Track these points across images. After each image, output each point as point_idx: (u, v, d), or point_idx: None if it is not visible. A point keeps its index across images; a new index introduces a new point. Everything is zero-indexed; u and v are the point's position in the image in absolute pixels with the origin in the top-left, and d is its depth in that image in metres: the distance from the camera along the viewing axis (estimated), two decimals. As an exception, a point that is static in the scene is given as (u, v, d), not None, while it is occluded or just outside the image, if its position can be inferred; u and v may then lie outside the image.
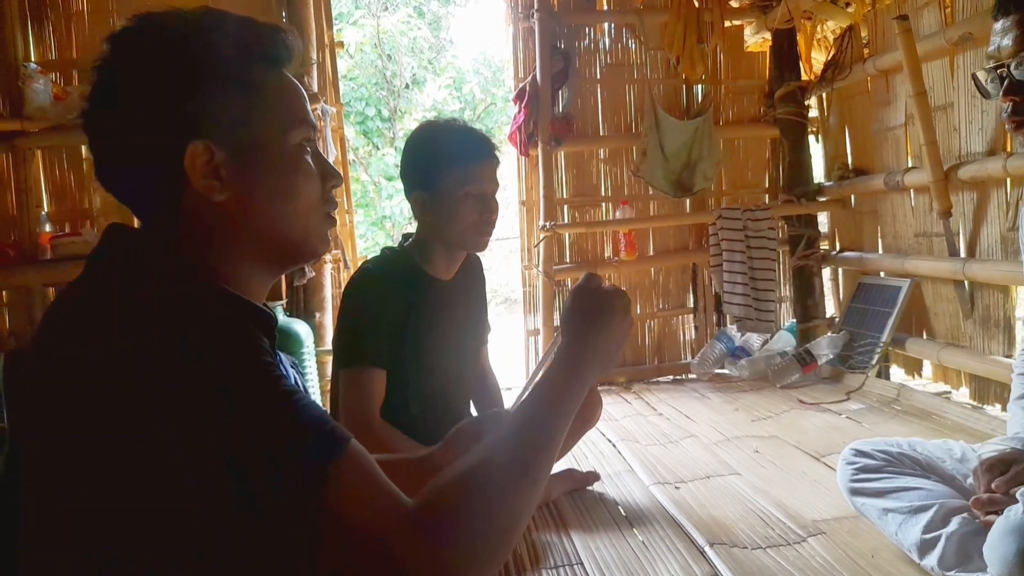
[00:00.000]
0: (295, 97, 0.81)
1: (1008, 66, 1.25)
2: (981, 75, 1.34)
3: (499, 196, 1.86)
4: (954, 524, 1.40)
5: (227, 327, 0.68)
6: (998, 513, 1.21)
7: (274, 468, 0.63)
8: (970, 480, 1.54)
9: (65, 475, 0.66)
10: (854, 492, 1.63)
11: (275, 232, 0.79)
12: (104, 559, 0.66)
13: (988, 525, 1.27)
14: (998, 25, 1.28)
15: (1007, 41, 1.25)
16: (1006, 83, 1.26)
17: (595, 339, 0.86)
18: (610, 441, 2.56)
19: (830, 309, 3.77)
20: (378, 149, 9.86)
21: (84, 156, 3.17)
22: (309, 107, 0.83)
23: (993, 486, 1.34)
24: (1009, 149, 2.52)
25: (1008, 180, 2.56)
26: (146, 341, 0.65)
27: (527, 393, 0.84)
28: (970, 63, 2.62)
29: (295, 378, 0.96)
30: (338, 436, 0.67)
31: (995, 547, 1.15)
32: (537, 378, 0.87)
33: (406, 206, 8.74)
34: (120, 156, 0.76)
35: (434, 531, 0.67)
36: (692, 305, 3.82)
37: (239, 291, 0.75)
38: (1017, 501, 1.17)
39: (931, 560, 1.41)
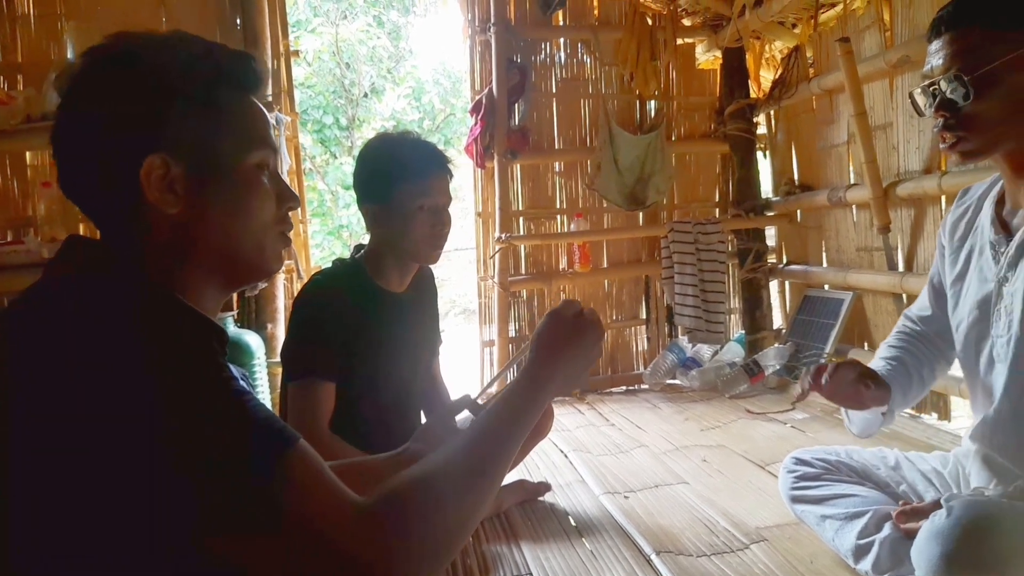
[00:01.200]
0: (257, 121, 0.84)
1: (939, 83, 1.32)
2: (918, 94, 1.40)
3: (454, 208, 1.87)
4: (887, 529, 1.45)
5: (179, 332, 0.71)
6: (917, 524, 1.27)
7: (229, 466, 0.66)
8: (902, 487, 1.61)
9: (22, 482, 0.66)
10: (794, 499, 1.68)
11: (228, 248, 0.82)
12: (73, 563, 0.67)
13: (909, 534, 1.32)
14: (932, 46, 1.34)
15: (938, 60, 1.32)
16: (937, 100, 1.32)
17: (561, 362, 0.91)
18: (562, 452, 2.59)
19: (777, 320, 3.87)
20: (336, 158, 9.79)
21: (28, 163, 3.09)
22: (271, 131, 0.86)
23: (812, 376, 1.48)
24: (943, 168, 2.63)
25: (943, 197, 2.67)
26: (100, 349, 0.66)
27: (487, 404, 0.88)
28: (908, 85, 2.74)
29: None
30: (288, 435, 0.70)
31: (921, 551, 1.19)
32: (493, 387, 0.89)
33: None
34: (81, 164, 0.78)
35: (384, 528, 0.70)
36: (645, 316, 3.88)
37: (192, 304, 0.78)
38: (942, 507, 1.22)
39: (866, 564, 1.46)
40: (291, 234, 0.91)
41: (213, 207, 0.80)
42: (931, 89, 1.33)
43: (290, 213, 0.89)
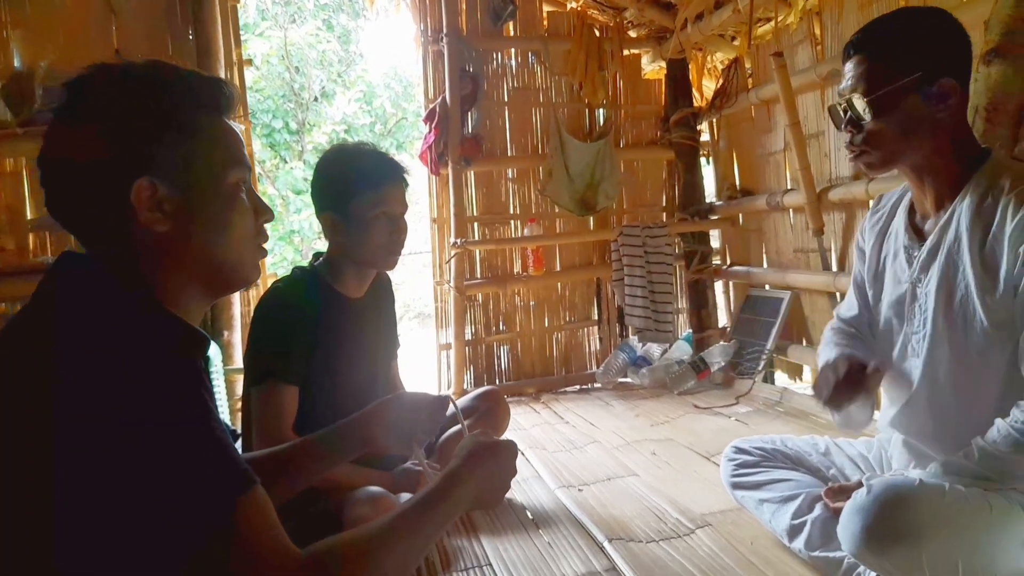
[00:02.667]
0: (233, 141, 0.91)
1: (847, 102, 1.45)
2: (835, 110, 1.54)
3: (409, 213, 1.94)
4: (817, 510, 1.59)
5: (171, 359, 0.77)
6: (846, 500, 1.40)
7: (189, 497, 0.73)
8: (832, 471, 1.75)
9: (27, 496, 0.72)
10: (735, 486, 1.80)
11: (211, 260, 0.88)
12: None
13: (836, 512, 1.45)
14: (845, 67, 1.48)
15: (848, 81, 1.46)
16: (846, 117, 1.46)
17: (478, 470, 1.03)
18: (519, 449, 2.67)
19: (723, 319, 4.04)
20: (286, 162, 9.71)
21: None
22: (245, 150, 0.93)
23: (838, 374, 1.49)
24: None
25: (871, 202, 2.84)
26: (99, 371, 0.72)
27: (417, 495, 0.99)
28: (838, 97, 2.91)
29: None
30: (250, 477, 0.78)
31: (845, 526, 1.32)
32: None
33: (315, 220, 8.59)
34: (73, 192, 0.83)
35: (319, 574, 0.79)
36: (596, 317, 4.01)
37: (179, 313, 0.84)
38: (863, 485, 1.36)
39: (799, 543, 1.59)
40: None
41: (197, 223, 0.86)
42: (842, 107, 1.47)
43: (268, 235, 0.96)
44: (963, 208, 1.39)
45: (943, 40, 1.39)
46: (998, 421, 1.29)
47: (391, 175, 1.85)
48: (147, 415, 0.72)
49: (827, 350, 1.69)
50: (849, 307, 1.77)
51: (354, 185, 1.81)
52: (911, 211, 1.56)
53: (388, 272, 2.04)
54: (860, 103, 1.41)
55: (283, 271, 1.98)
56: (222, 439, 0.77)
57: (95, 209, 0.83)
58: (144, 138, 0.82)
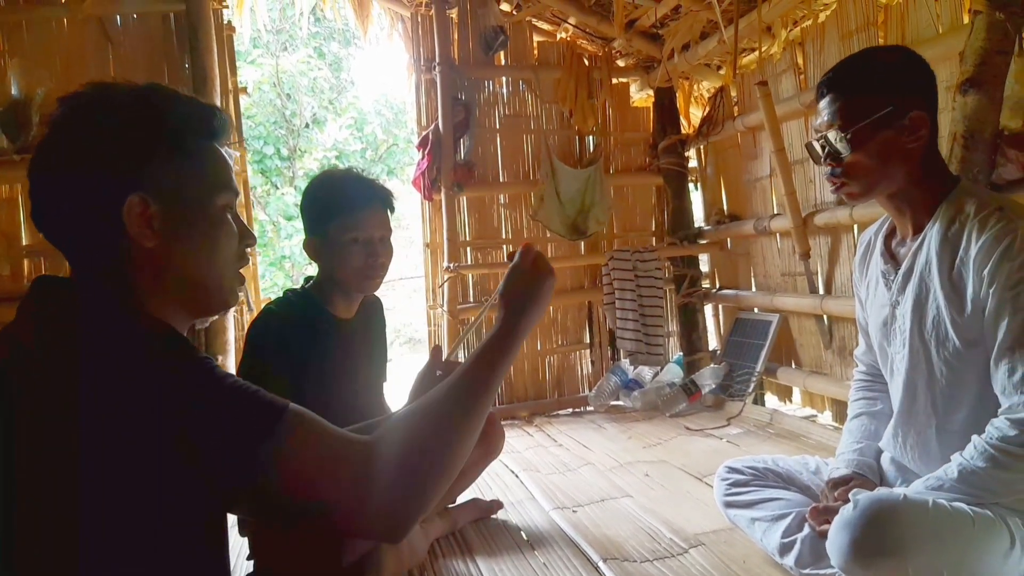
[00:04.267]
0: (223, 167, 0.95)
1: (825, 137, 1.51)
2: (812, 145, 1.60)
3: (400, 238, 1.97)
4: (807, 528, 1.61)
5: (169, 343, 0.83)
6: (830, 521, 1.43)
7: (233, 433, 0.77)
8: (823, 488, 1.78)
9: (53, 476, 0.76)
10: (727, 505, 1.83)
11: (194, 279, 0.92)
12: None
13: (822, 535, 1.49)
14: (821, 104, 1.54)
15: (824, 117, 1.52)
16: (825, 151, 1.52)
17: (528, 310, 1.04)
18: (513, 472, 2.69)
19: (713, 342, 4.09)
20: (277, 188, 9.74)
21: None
22: (234, 176, 0.96)
23: (835, 494, 1.59)
24: (854, 199, 2.88)
25: (855, 227, 2.92)
26: (110, 372, 0.76)
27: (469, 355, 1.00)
28: (815, 133, 2.99)
29: None
30: (279, 402, 0.82)
31: (833, 540, 1.35)
32: (471, 332, 0.99)
33: (308, 246, 8.63)
34: (66, 201, 0.86)
35: (384, 458, 0.82)
36: (588, 341, 4.04)
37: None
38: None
39: (789, 560, 1.61)
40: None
41: (183, 242, 0.89)
42: (820, 141, 1.53)
43: (248, 260, 1.00)
44: (933, 233, 1.45)
45: (910, 75, 1.46)
46: (974, 438, 1.34)
47: (366, 200, 1.85)
48: (174, 387, 0.77)
49: (844, 439, 1.75)
50: (861, 349, 1.85)
51: (330, 209, 1.83)
52: (888, 237, 1.62)
53: (379, 295, 2.07)
54: (837, 138, 1.47)
55: (275, 296, 1.99)
56: (240, 381, 0.81)
57: (87, 221, 0.85)
58: (139, 155, 0.86)
